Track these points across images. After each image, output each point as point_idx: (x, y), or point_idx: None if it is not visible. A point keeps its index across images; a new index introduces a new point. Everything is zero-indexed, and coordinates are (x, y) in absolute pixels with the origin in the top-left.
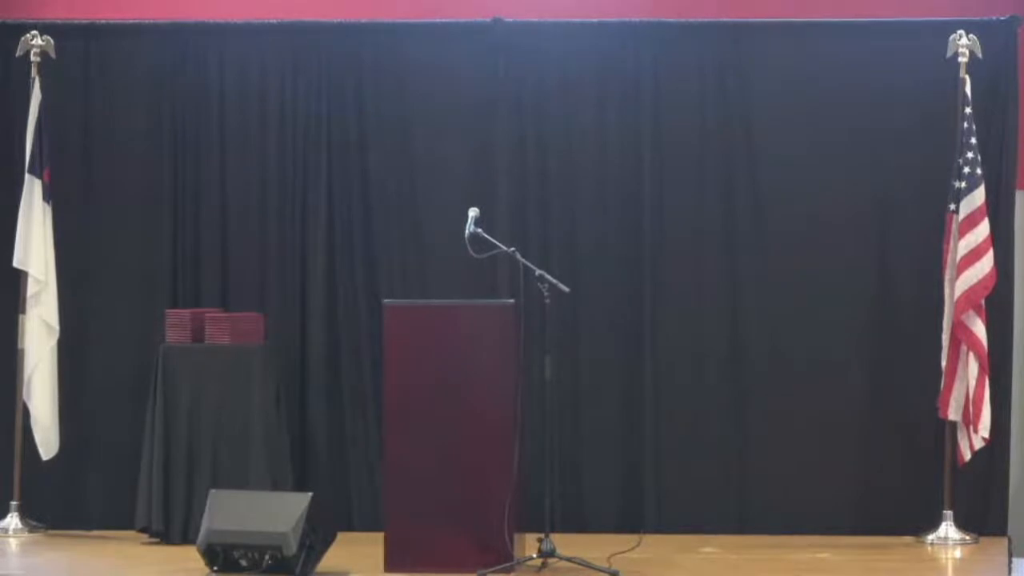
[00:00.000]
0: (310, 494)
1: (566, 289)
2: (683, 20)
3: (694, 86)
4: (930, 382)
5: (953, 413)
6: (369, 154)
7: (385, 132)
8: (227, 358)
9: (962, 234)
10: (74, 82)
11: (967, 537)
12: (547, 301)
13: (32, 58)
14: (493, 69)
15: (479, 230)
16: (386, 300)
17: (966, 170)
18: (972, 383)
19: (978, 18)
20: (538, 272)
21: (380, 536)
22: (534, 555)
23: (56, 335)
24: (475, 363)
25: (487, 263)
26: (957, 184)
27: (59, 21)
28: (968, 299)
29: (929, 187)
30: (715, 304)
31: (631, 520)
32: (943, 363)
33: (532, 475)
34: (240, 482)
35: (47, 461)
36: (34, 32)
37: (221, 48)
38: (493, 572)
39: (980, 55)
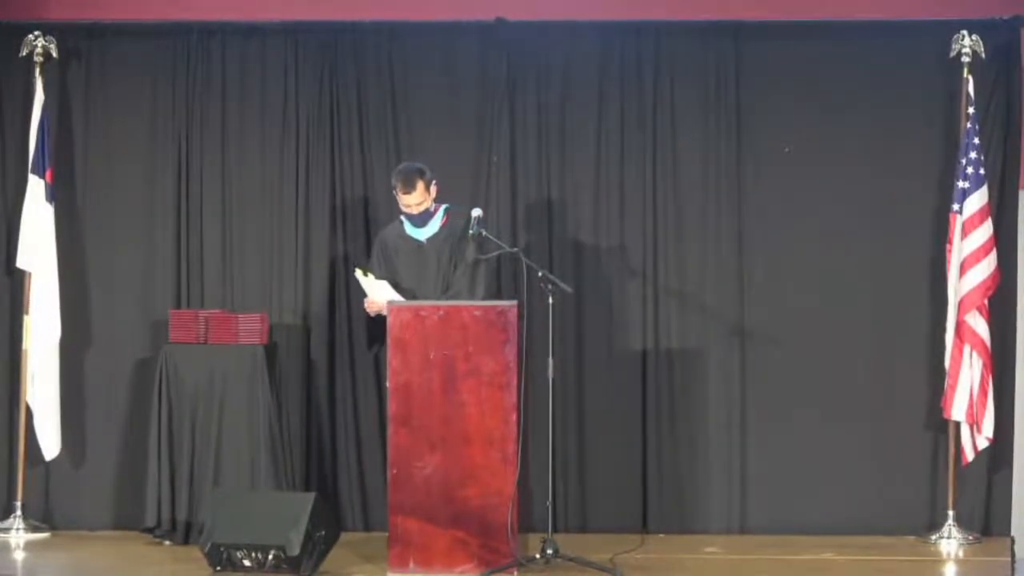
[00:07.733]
0: (313, 494)
1: (569, 289)
2: (685, 20)
3: (696, 85)
4: (933, 382)
5: (957, 413)
6: (371, 154)
7: (386, 132)
8: (230, 358)
9: (965, 234)
10: (76, 82)
11: (970, 537)
12: (551, 301)
13: (35, 58)
14: (495, 69)
15: (482, 231)
16: (389, 300)
17: (969, 170)
18: (976, 383)
19: (981, 18)
20: (541, 272)
21: (383, 536)
22: (537, 555)
23: (59, 335)
24: (478, 363)
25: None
26: (960, 184)
27: (61, 21)
28: (971, 299)
29: (932, 187)
30: (718, 304)
31: (634, 520)
32: (947, 363)
33: (535, 475)
34: (243, 482)
35: (50, 461)
36: (37, 32)
37: (223, 48)
38: (496, 572)
39: (983, 55)
